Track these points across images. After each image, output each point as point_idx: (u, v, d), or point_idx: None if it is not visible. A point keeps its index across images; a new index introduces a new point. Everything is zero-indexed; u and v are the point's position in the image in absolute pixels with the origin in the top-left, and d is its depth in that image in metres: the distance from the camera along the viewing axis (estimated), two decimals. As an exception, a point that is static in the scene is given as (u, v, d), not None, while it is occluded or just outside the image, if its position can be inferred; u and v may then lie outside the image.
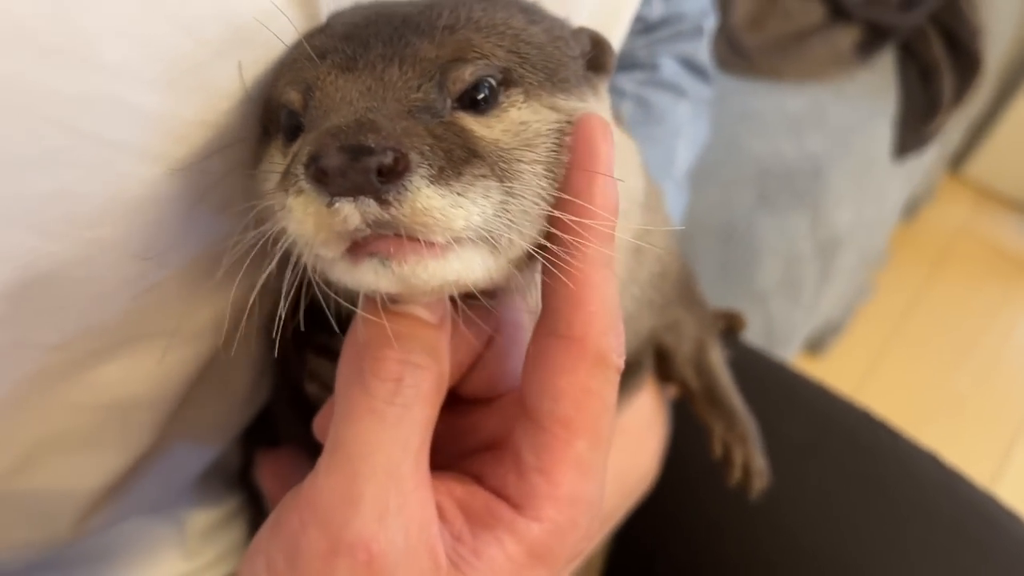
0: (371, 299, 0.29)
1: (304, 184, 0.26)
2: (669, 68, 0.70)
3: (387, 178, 0.25)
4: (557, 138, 0.30)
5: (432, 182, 0.25)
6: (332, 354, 0.31)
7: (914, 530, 0.62)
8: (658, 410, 0.55)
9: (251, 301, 0.36)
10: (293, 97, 0.30)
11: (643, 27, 0.69)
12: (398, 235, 0.26)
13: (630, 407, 0.50)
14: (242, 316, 0.39)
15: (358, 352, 0.29)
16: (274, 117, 0.31)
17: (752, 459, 0.53)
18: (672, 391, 0.66)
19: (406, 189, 0.25)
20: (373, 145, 0.25)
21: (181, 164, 0.30)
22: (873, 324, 1.67)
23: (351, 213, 0.25)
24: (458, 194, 0.26)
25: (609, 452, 0.32)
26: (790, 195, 1.09)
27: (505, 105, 0.29)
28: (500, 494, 0.30)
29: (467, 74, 0.28)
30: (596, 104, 0.33)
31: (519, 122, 0.29)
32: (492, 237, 0.27)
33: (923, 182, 1.70)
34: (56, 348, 0.34)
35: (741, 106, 1.12)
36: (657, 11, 0.68)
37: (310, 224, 0.26)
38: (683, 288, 0.48)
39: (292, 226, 0.27)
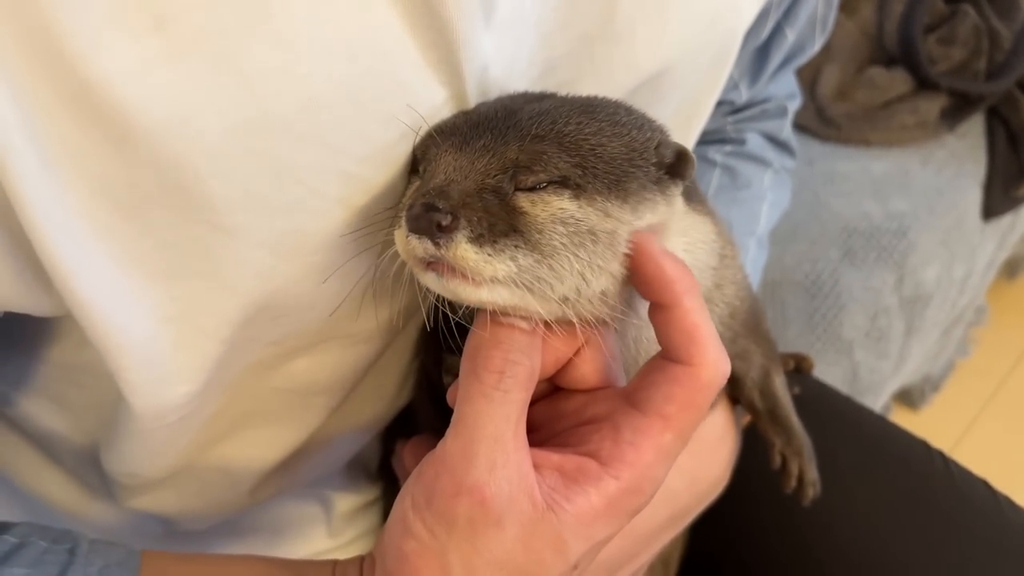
0: (483, 314, 0.40)
1: (402, 221, 0.38)
2: (755, 142, 0.80)
3: (442, 231, 0.37)
4: (608, 236, 0.40)
5: (471, 242, 0.37)
6: (462, 353, 0.43)
7: (959, 547, 0.68)
8: (730, 426, 0.63)
9: (395, 315, 0.49)
10: (420, 162, 0.43)
11: (731, 109, 0.79)
12: (451, 267, 0.38)
13: (706, 421, 0.59)
14: (404, 321, 0.52)
15: (473, 352, 0.40)
16: (415, 168, 0.44)
17: (806, 470, 0.62)
18: (745, 417, 0.75)
19: (452, 240, 0.37)
20: (440, 207, 0.37)
21: (367, 213, 0.43)
22: (974, 381, 1.69)
23: (416, 245, 0.38)
24: (488, 254, 0.37)
25: (687, 439, 0.41)
26: (876, 252, 1.16)
27: (552, 195, 0.40)
28: (592, 455, 0.40)
29: (530, 180, 0.40)
30: (662, 206, 0.43)
31: (559, 208, 0.39)
32: (524, 283, 0.38)
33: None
34: (273, 344, 0.47)
35: (828, 169, 1.20)
36: (744, 96, 0.78)
37: (401, 247, 0.39)
38: (751, 323, 0.57)
39: (397, 246, 0.40)
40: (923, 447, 0.76)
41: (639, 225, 0.41)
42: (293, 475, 0.61)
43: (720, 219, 0.51)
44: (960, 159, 1.27)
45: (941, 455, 0.76)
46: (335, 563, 0.46)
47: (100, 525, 0.62)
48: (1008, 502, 0.72)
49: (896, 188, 1.21)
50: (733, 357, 0.56)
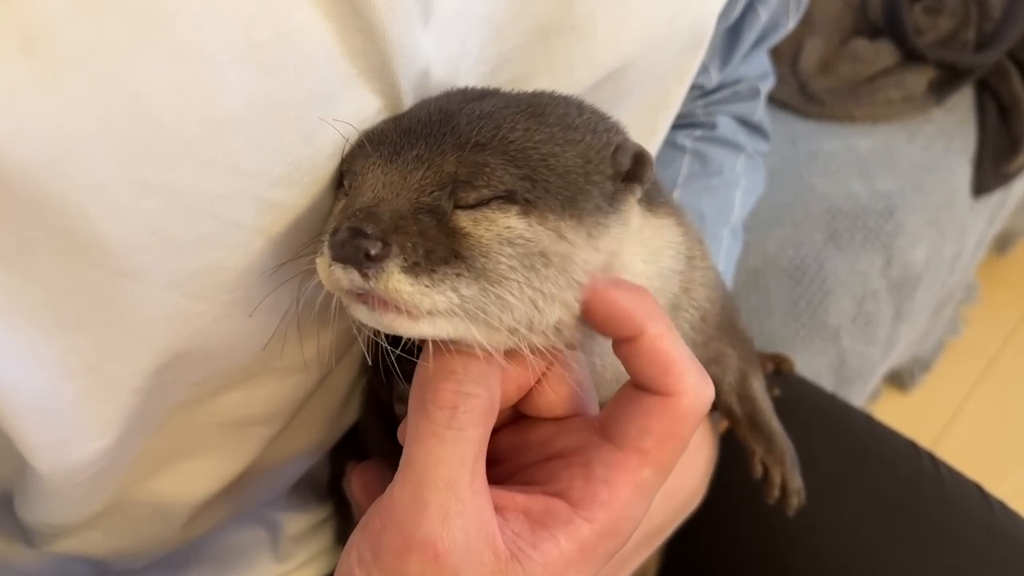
0: (429, 343, 0.36)
1: (325, 248, 0.34)
2: (726, 125, 0.76)
3: (372, 260, 0.33)
4: (561, 260, 0.36)
5: (405, 272, 0.33)
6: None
7: (950, 558, 0.65)
8: (706, 435, 0.59)
9: (324, 350, 0.44)
10: (346, 175, 0.38)
11: (701, 93, 0.74)
12: (384, 300, 0.34)
13: None
14: (342, 348, 0.47)
15: (421, 385, 0.36)
16: (341, 183, 0.39)
17: (789, 479, 0.58)
18: (721, 423, 0.71)
19: (383, 271, 0.33)
20: (368, 232, 0.32)
21: (291, 242, 0.38)
22: (964, 360, 1.65)
23: (342, 276, 0.33)
24: (426, 285, 0.33)
25: (667, 475, 0.38)
26: (862, 234, 1.12)
27: (497, 212, 0.35)
28: (562, 495, 0.36)
29: (471, 197, 0.35)
30: (615, 229, 0.39)
31: (505, 226, 0.35)
32: (468, 314, 0.34)
33: (1016, 216, 1.67)
34: (198, 384, 0.43)
35: (811, 148, 1.15)
36: (715, 79, 0.73)
37: (324, 277, 0.35)
38: (725, 325, 0.53)
39: (321, 276, 0.35)
40: (911, 449, 0.72)
41: (594, 257, 0.37)
42: (232, 504, 0.57)
43: (686, 217, 0.47)
44: (949, 134, 1.22)
45: (930, 456, 0.72)
46: None
47: (21, 570, 0.57)
48: (1003, 508, 0.68)
49: (882, 166, 1.16)
50: (707, 362, 0.52)
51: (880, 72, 1.17)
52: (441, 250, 0.34)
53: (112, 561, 0.56)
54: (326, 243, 0.34)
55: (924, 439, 1.54)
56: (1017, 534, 0.66)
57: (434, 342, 0.35)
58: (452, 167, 0.35)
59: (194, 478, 0.51)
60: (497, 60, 0.44)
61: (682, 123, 0.75)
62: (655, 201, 0.43)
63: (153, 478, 0.49)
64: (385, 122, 0.38)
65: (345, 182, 0.38)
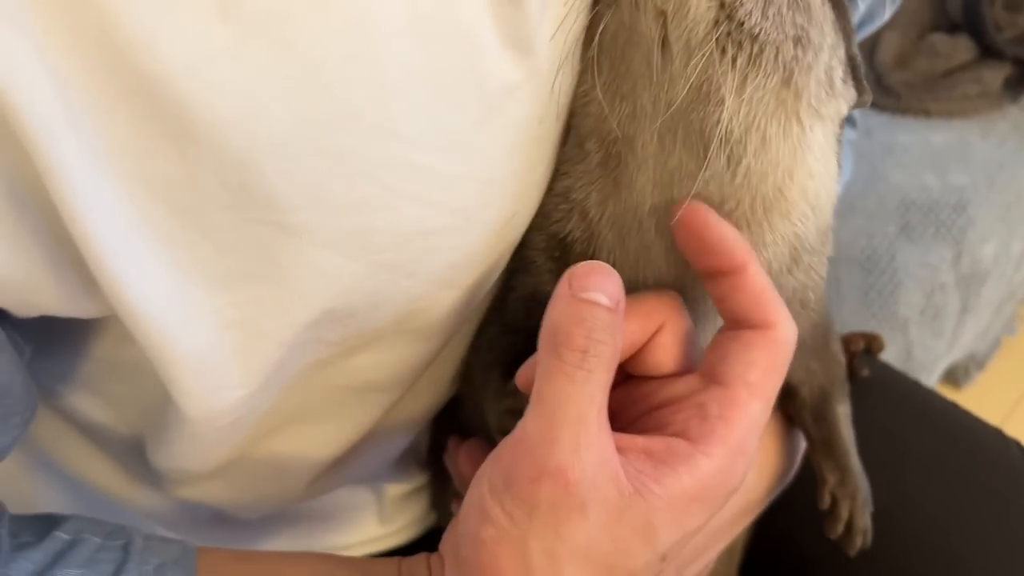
0: (564, 285, 0.37)
1: None
2: None
3: None
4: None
5: None
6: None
7: None
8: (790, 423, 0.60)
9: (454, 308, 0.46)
10: None
11: None
12: None
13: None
14: (463, 320, 0.49)
15: (552, 328, 0.37)
16: None
17: (857, 517, 0.56)
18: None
19: None
20: None
21: (440, 207, 0.40)
22: (1019, 360, 1.65)
23: None
24: None
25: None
26: (933, 227, 1.12)
27: None
28: (680, 435, 0.37)
29: None
30: (842, 100, 0.41)
31: None
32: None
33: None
34: (334, 343, 0.44)
35: (886, 140, 1.16)
36: None
37: None
38: (821, 339, 0.52)
39: None
40: (999, 436, 0.73)
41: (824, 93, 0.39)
42: (347, 471, 0.59)
43: None
44: (1022, 131, 1.22)
45: (1019, 445, 0.73)
46: (400, 561, 0.44)
47: (148, 511, 0.61)
48: None
49: (956, 161, 1.16)
50: (795, 367, 0.51)
51: (957, 67, 1.17)
52: None
53: (230, 511, 0.59)
54: None
55: (978, 436, 1.53)
56: None
57: (567, 283, 0.37)
58: None
59: (314, 441, 0.53)
60: None
61: None
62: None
63: (275, 437, 0.51)
64: None
65: None
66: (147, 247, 0.35)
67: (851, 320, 1.09)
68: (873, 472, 0.71)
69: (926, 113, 1.18)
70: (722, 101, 0.35)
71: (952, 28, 1.19)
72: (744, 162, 0.37)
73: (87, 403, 0.53)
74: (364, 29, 0.34)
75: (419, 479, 0.71)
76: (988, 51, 1.17)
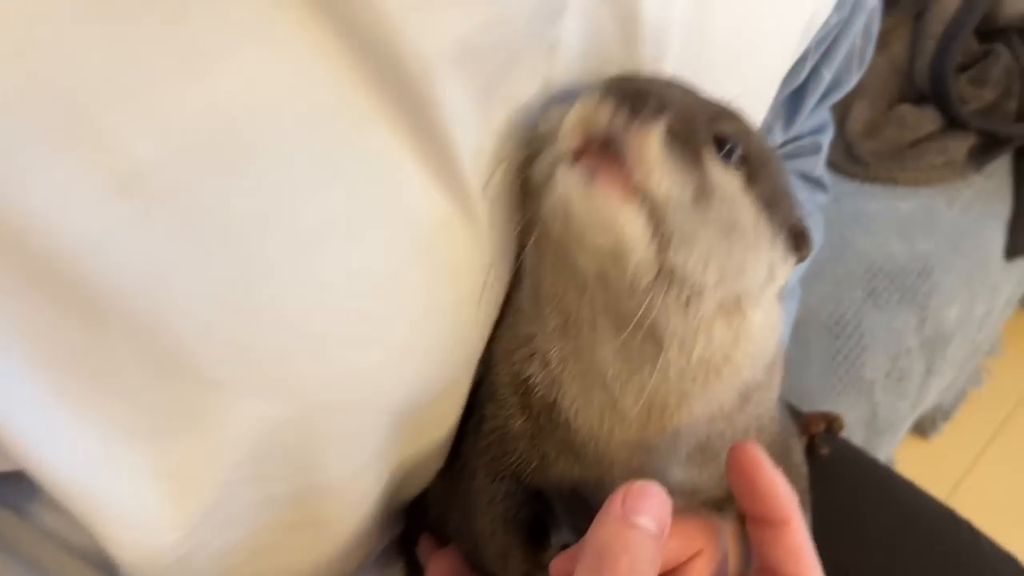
0: (615, 503, 0.37)
1: (593, 91, 0.34)
2: None
3: (647, 107, 0.33)
4: (747, 243, 0.37)
5: (664, 139, 0.34)
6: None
7: None
8: None
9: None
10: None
11: None
12: (615, 160, 0.34)
13: None
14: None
15: (599, 552, 0.37)
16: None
17: None
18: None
19: (650, 123, 0.33)
20: (650, 88, 0.35)
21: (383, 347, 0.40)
22: (985, 411, 1.69)
23: (604, 113, 0.33)
24: (671, 161, 0.33)
25: None
26: (899, 293, 1.16)
27: (735, 174, 0.37)
28: None
29: (728, 136, 0.38)
30: (780, 270, 0.40)
31: (733, 184, 0.37)
32: (667, 232, 0.34)
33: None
34: (281, 478, 0.45)
35: (854, 208, 1.20)
36: (779, 139, 0.76)
37: (578, 116, 0.34)
38: (780, 450, 0.53)
39: (569, 120, 0.35)
40: (951, 518, 0.76)
41: (763, 274, 0.39)
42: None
43: None
44: (985, 199, 1.27)
45: (970, 527, 0.76)
46: None
47: None
48: None
49: (921, 228, 1.20)
50: None
51: (923, 137, 1.21)
52: (693, 148, 0.34)
53: None
54: (600, 86, 0.34)
55: (942, 486, 1.58)
56: None
57: (618, 503, 0.37)
58: (715, 108, 0.36)
59: (285, 571, 0.53)
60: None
61: None
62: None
63: (251, 565, 0.51)
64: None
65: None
66: (65, 420, 0.35)
67: (818, 382, 1.12)
68: (832, 549, 0.74)
69: (894, 181, 1.21)
70: (669, 321, 0.37)
71: (919, 99, 1.23)
72: (695, 352, 0.38)
73: (58, 522, 0.53)
74: (278, 187, 0.33)
75: (395, 566, 0.72)
76: (953, 122, 1.21)
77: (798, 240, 0.40)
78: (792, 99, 0.72)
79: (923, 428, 1.65)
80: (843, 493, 0.76)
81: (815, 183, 0.82)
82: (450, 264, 0.40)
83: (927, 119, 1.21)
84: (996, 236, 1.27)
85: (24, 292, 0.31)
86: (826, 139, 0.82)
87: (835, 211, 1.20)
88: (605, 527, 0.37)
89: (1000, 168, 1.29)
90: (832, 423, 0.76)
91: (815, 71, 0.69)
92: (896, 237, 1.19)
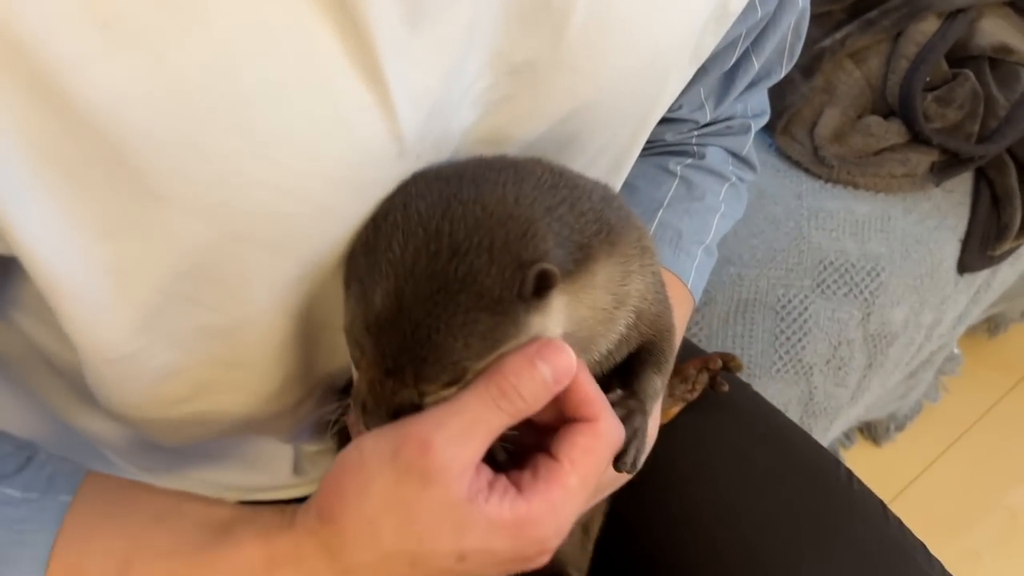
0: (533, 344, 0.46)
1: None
2: (715, 156, 0.88)
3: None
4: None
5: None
6: None
7: (846, 558, 0.76)
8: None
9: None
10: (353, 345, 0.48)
11: (696, 126, 0.87)
12: None
13: None
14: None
15: (502, 368, 0.45)
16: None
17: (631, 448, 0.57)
18: (671, 410, 0.84)
19: None
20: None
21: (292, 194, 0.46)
22: (939, 427, 1.76)
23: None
24: None
25: (591, 490, 0.47)
26: (846, 287, 1.25)
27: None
28: (515, 483, 0.46)
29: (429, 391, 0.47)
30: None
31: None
32: None
33: (1009, 302, 1.79)
34: (213, 308, 0.50)
35: (815, 205, 1.28)
36: (709, 116, 0.85)
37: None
38: (653, 347, 0.61)
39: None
40: (834, 461, 0.85)
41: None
42: (263, 429, 0.67)
43: (620, 244, 0.53)
44: (944, 213, 1.35)
45: (848, 471, 0.84)
46: (283, 509, 0.49)
47: (96, 435, 0.69)
48: (899, 524, 0.81)
49: (876, 231, 1.29)
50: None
51: (887, 148, 1.30)
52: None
53: (165, 444, 0.66)
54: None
55: (888, 490, 1.67)
56: (906, 546, 0.79)
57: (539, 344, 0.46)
58: (411, 381, 0.45)
59: (226, 407, 0.59)
60: (491, 80, 0.51)
61: (676, 151, 0.87)
62: (586, 256, 0.49)
63: (189, 404, 0.57)
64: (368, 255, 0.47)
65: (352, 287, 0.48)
66: (38, 197, 0.40)
67: (760, 358, 1.21)
68: (718, 480, 0.83)
69: (854, 185, 1.30)
70: None
71: (888, 114, 1.32)
72: None
73: (38, 329, 0.58)
74: (226, 48, 0.39)
75: (331, 440, 0.80)
76: (917, 137, 1.30)
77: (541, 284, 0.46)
78: (723, 81, 0.81)
79: (876, 435, 1.73)
80: (735, 427, 0.85)
81: (743, 160, 0.91)
82: (364, 145, 0.46)
83: (893, 131, 1.29)
84: (950, 249, 1.35)
85: (20, 94, 0.37)
86: (758, 124, 0.92)
87: (796, 206, 1.29)
88: (513, 357, 0.45)
89: (961, 186, 1.37)
90: (729, 363, 0.85)
91: (746, 56, 0.78)
92: (850, 236, 1.27)
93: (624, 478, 0.70)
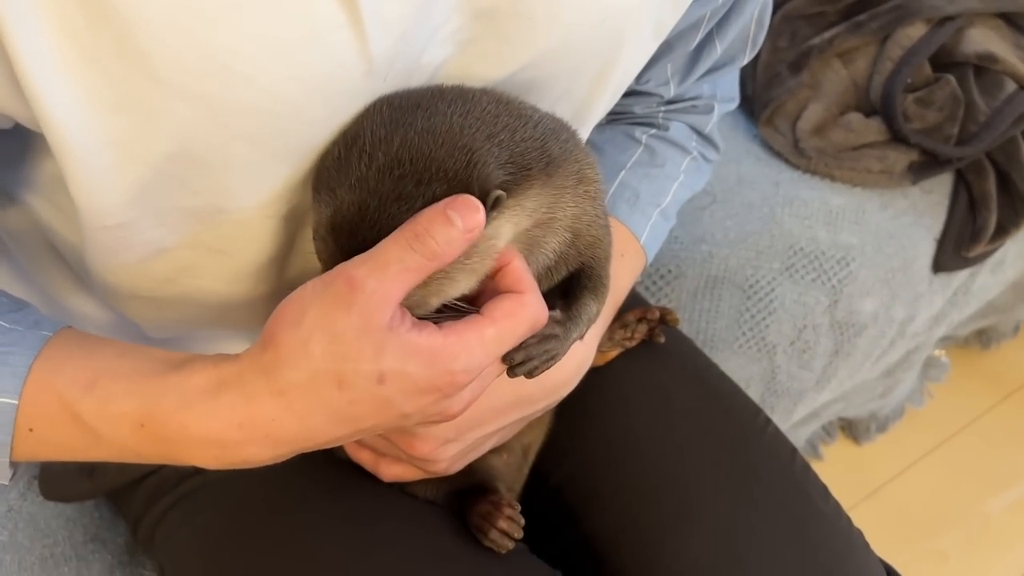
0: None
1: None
2: (678, 131, 0.94)
3: None
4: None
5: None
6: None
7: (754, 495, 0.82)
8: (587, 341, 0.73)
9: None
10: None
11: (662, 101, 0.93)
12: None
13: None
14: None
15: (421, 218, 0.50)
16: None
17: (534, 354, 0.60)
18: (610, 353, 0.91)
19: None
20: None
21: (273, 85, 0.50)
22: (922, 431, 1.79)
23: None
24: None
25: (506, 347, 0.53)
26: (815, 273, 1.30)
27: None
28: (443, 326, 0.51)
29: None
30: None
31: None
32: None
33: (1000, 315, 1.81)
34: (198, 193, 0.56)
35: (790, 193, 1.34)
36: (672, 92, 0.92)
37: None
38: (591, 272, 0.66)
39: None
40: (753, 407, 0.91)
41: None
42: (244, 320, 0.73)
43: (553, 177, 0.59)
44: (920, 212, 1.39)
45: (767, 418, 0.90)
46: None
47: (87, 317, 0.77)
48: (805, 467, 0.87)
49: (849, 222, 1.34)
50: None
51: (867, 144, 1.35)
52: None
53: (148, 331, 0.75)
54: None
55: (863, 488, 1.70)
56: (807, 485, 0.85)
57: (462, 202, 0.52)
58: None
59: (210, 290, 0.65)
60: (457, 24, 0.56)
61: (643, 122, 0.94)
62: (523, 179, 0.56)
63: (175, 284, 0.64)
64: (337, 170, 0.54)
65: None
66: (59, 69, 0.47)
67: (723, 333, 1.27)
68: (640, 411, 0.90)
69: (831, 177, 1.35)
70: None
71: (870, 112, 1.37)
72: None
73: (46, 209, 0.66)
74: None
75: None
76: (897, 137, 1.35)
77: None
78: (688, 60, 0.89)
79: (856, 433, 1.77)
80: (663, 372, 0.92)
81: (705, 138, 0.98)
82: (336, 60, 0.51)
83: (872, 129, 1.34)
84: (924, 247, 1.39)
85: None
86: (724, 107, 0.98)
87: (772, 193, 1.35)
88: (427, 211, 0.50)
89: (941, 187, 1.41)
90: (667, 316, 0.92)
91: (709, 38, 0.85)
92: (823, 225, 1.33)
93: (552, 399, 0.78)
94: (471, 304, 0.55)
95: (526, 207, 0.57)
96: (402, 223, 0.50)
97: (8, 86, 0.48)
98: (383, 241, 0.50)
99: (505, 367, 0.57)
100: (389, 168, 0.52)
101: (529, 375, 0.59)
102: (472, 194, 0.51)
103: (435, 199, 0.51)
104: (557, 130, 0.60)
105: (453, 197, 0.51)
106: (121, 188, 0.53)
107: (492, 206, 0.52)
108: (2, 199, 0.69)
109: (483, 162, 0.53)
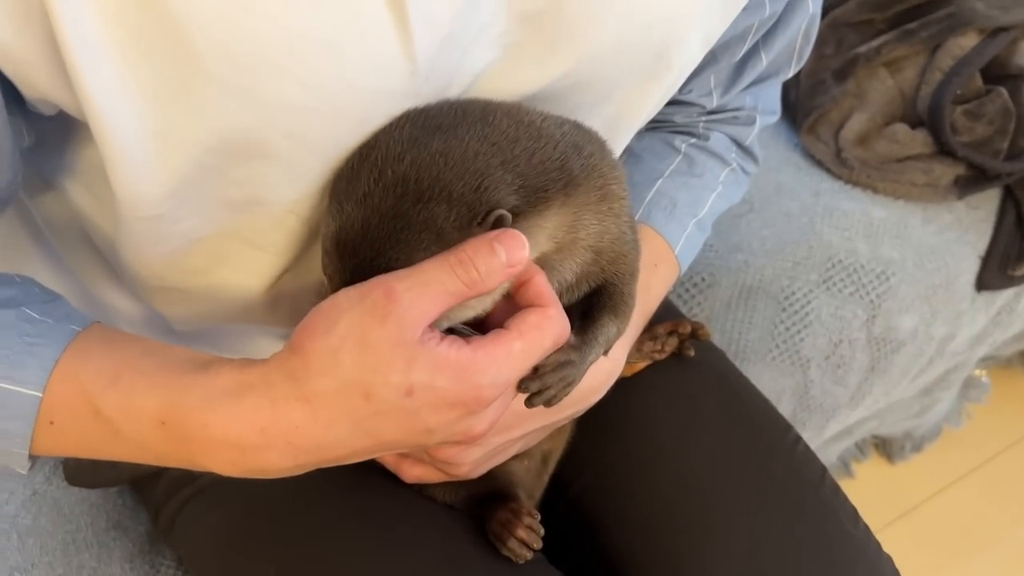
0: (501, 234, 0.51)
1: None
2: (719, 141, 0.92)
3: None
4: None
5: None
6: None
7: (781, 513, 0.80)
8: (615, 355, 0.73)
9: None
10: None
11: (703, 111, 0.92)
12: None
13: None
14: None
15: (466, 246, 0.50)
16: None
17: (551, 382, 0.59)
18: (638, 365, 0.90)
19: None
20: None
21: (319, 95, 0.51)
22: (959, 454, 1.75)
23: None
24: None
25: (532, 361, 0.53)
26: (852, 287, 1.27)
27: None
28: (469, 341, 0.50)
29: None
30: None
31: None
32: None
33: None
34: (238, 184, 0.56)
35: (831, 204, 1.31)
36: (715, 103, 0.90)
37: None
38: (613, 289, 0.65)
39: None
40: (785, 424, 0.89)
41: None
42: (270, 315, 0.73)
43: (573, 196, 0.58)
44: (965, 228, 1.36)
45: (797, 435, 0.88)
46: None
47: (119, 310, 0.77)
48: (834, 485, 0.84)
49: (891, 236, 1.31)
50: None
51: (912, 156, 1.32)
52: None
53: (177, 325, 0.75)
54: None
55: (895, 508, 1.66)
56: (835, 506, 0.83)
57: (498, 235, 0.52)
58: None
59: (242, 282, 0.65)
60: (505, 26, 0.56)
61: (683, 131, 0.92)
62: (540, 200, 0.55)
63: (207, 275, 0.64)
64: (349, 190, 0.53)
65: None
66: (107, 56, 0.47)
67: (756, 344, 1.24)
68: (666, 424, 0.88)
69: (873, 189, 1.32)
70: None
71: (916, 123, 1.34)
72: None
73: (83, 197, 0.65)
74: None
75: None
76: (943, 150, 1.31)
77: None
78: (733, 71, 0.87)
79: (890, 452, 1.73)
80: (693, 382, 0.90)
81: (746, 151, 0.96)
82: (381, 59, 0.51)
83: (918, 141, 1.31)
84: (968, 264, 1.35)
85: None
86: (766, 120, 0.96)
87: (812, 203, 1.32)
88: (474, 240, 0.50)
89: (987, 203, 1.38)
90: (698, 330, 0.90)
91: (755, 50, 0.84)
92: (863, 238, 1.30)
93: (578, 408, 0.76)
94: (473, 327, 0.55)
95: (544, 229, 0.57)
96: (398, 242, 0.51)
97: (53, 71, 0.48)
98: (426, 261, 0.50)
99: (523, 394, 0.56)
100: (394, 186, 0.52)
101: (547, 404, 0.58)
102: (477, 216, 0.51)
103: (432, 219, 0.51)
104: (581, 145, 0.59)
105: (502, 230, 0.51)
106: (161, 179, 0.53)
107: (493, 225, 0.52)
108: (41, 186, 0.69)
109: (493, 187, 0.52)
